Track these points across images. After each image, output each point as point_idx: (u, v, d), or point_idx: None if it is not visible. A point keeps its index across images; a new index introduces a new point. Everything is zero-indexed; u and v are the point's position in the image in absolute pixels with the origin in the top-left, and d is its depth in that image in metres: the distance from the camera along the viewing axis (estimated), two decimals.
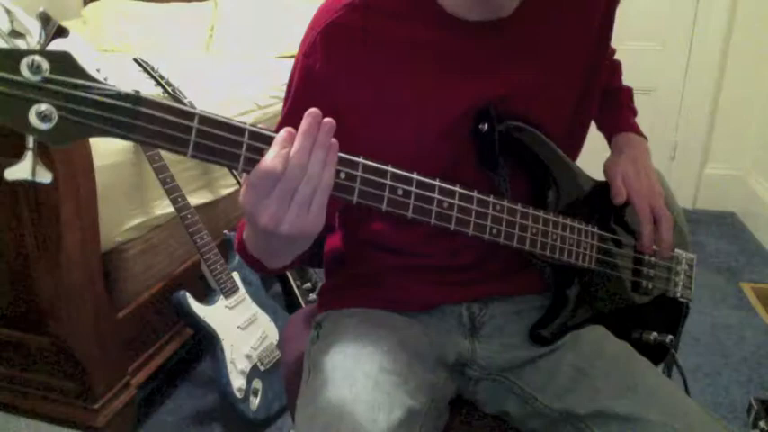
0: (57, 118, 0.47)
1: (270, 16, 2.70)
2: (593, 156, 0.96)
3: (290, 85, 0.75)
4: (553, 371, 0.74)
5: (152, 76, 1.63)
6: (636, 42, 2.70)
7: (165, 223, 1.56)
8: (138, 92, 0.49)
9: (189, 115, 0.51)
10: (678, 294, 0.87)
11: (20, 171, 0.49)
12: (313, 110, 0.53)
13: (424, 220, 0.62)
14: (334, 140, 0.54)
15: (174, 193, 1.41)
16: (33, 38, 0.56)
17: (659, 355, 0.85)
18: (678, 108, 2.81)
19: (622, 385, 0.69)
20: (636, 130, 0.89)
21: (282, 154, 0.52)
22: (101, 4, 2.99)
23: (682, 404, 0.67)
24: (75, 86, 0.47)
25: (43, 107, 0.46)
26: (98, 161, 1.25)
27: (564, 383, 0.73)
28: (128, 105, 0.49)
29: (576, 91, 0.78)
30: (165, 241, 1.57)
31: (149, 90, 1.62)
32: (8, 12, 0.58)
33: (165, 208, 1.52)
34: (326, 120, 0.54)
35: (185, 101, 1.60)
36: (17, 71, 0.45)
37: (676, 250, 0.88)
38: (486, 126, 0.70)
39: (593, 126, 0.86)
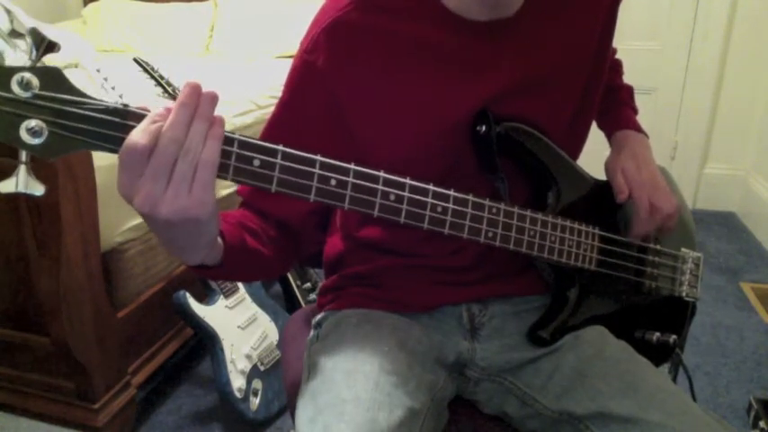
0: (47, 133, 0.47)
1: (270, 16, 2.70)
2: (593, 156, 0.96)
3: (289, 80, 0.74)
4: (553, 372, 0.74)
5: (152, 76, 1.63)
6: (636, 42, 2.70)
7: None
8: (126, 105, 0.50)
9: None
10: (684, 294, 0.86)
11: (12, 184, 0.50)
12: (193, 81, 0.49)
13: (417, 225, 0.62)
14: (219, 116, 0.50)
15: None
16: (29, 37, 0.56)
17: (662, 355, 0.84)
18: (678, 108, 2.81)
19: (623, 386, 0.69)
20: (636, 127, 0.89)
21: (151, 129, 0.48)
22: (101, 4, 2.99)
23: (682, 405, 0.67)
24: (65, 102, 0.48)
25: (33, 123, 0.47)
26: (98, 161, 1.25)
27: (564, 384, 0.73)
28: (116, 120, 0.49)
29: (579, 90, 0.78)
30: None
31: (149, 90, 1.62)
32: (8, 12, 0.58)
33: None
34: (208, 90, 0.50)
35: None
36: (8, 88, 0.46)
37: (682, 249, 0.88)
38: (483, 128, 0.70)
39: (592, 127, 0.86)
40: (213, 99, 0.50)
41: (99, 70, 1.43)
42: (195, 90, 0.49)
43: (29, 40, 0.49)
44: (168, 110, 0.49)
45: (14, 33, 0.57)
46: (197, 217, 0.50)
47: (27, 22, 0.58)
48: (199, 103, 0.49)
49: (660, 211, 0.78)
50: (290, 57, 0.76)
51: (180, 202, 0.49)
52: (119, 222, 1.40)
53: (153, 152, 0.48)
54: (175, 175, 0.48)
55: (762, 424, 1.41)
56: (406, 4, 0.70)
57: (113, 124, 0.49)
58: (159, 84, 1.62)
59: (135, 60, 1.65)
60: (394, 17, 0.69)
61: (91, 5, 3.04)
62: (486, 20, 0.70)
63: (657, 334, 0.82)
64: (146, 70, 1.64)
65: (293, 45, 0.74)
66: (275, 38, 2.61)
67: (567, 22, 0.74)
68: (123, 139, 0.49)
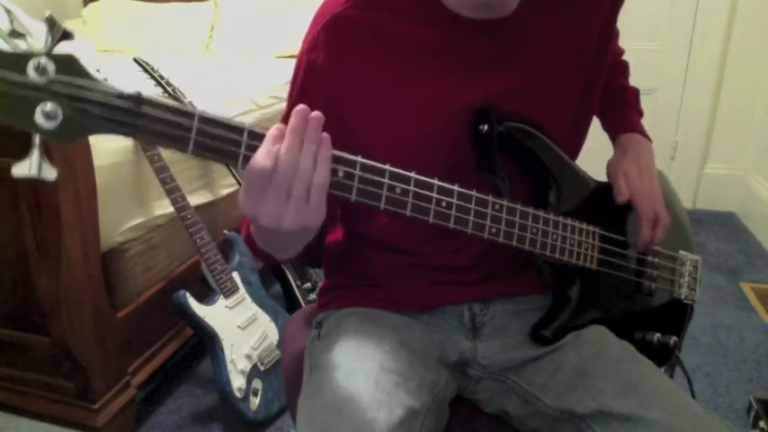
0: (61, 117, 0.48)
1: (270, 16, 2.70)
2: (594, 156, 0.96)
3: (293, 82, 0.75)
4: (554, 370, 0.74)
5: (152, 76, 1.63)
6: (636, 42, 2.70)
7: (164, 223, 1.56)
8: (139, 92, 0.51)
9: (189, 114, 0.52)
10: (682, 296, 0.87)
11: (26, 168, 0.51)
12: (301, 106, 0.54)
13: (423, 218, 0.62)
14: (325, 135, 0.55)
15: (174, 193, 1.41)
16: (33, 38, 0.57)
17: (663, 356, 0.85)
18: (678, 108, 2.81)
19: (624, 385, 0.69)
20: (641, 130, 0.89)
21: (273, 151, 0.53)
22: (101, 4, 2.99)
23: (683, 404, 0.67)
24: (80, 87, 0.49)
25: (48, 106, 0.48)
26: (98, 161, 1.25)
27: (565, 383, 0.73)
28: (130, 105, 0.50)
29: (580, 90, 0.78)
30: (165, 241, 1.57)
31: (149, 90, 1.62)
32: (8, 12, 0.58)
33: (165, 208, 1.52)
34: (314, 114, 0.54)
35: (185, 101, 1.60)
36: (24, 72, 0.47)
37: (680, 251, 0.88)
38: (485, 127, 0.70)
39: (594, 126, 0.86)
40: (320, 122, 0.54)
41: (99, 70, 1.43)
42: (303, 114, 0.54)
43: (45, 26, 0.50)
44: (281, 131, 0.54)
45: (14, 33, 0.57)
46: (314, 226, 0.56)
47: (27, 22, 0.58)
48: (307, 128, 0.54)
49: (661, 219, 0.79)
50: (290, 57, 0.76)
51: (301, 216, 0.54)
52: (119, 222, 1.40)
53: (274, 173, 0.53)
54: (294, 193, 0.54)
55: (762, 424, 1.41)
56: (405, 4, 0.70)
57: (128, 110, 0.50)
58: (159, 84, 1.62)
59: (135, 60, 1.65)
60: (393, 16, 0.70)
61: (91, 5, 3.04)
62: (485, 18, 0.70)
63: (658, 335, 0.82)
64: (146, 70, 1.64)
65: (293, 45, 0.75)
66: (275, 38, 2.61)
67: (567, 21, 0.75)
68: (136, 124, 0.51)
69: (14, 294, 1.32)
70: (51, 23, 0.50)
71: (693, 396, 0.75)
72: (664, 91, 2.79)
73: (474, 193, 0.65)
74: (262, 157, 0.53)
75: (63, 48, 0.55)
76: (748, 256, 2.43)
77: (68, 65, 0.48)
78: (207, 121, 0.53)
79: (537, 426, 0.75)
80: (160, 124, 0.51)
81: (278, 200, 0.54)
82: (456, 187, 0.64)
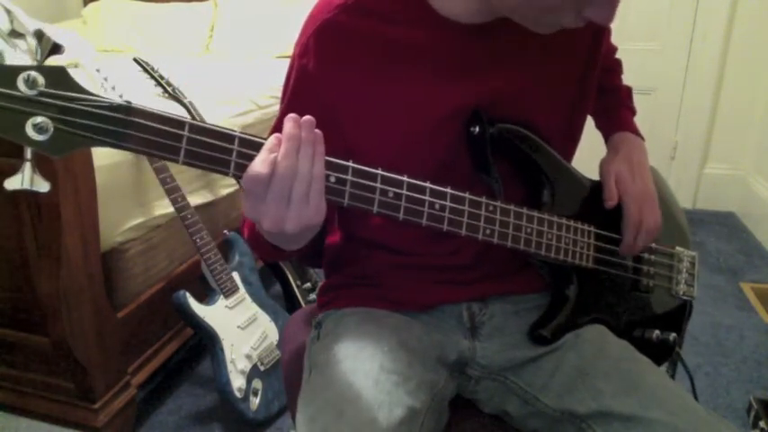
0: (52, 130, 0.49)
1: (270, 16, 2.70)
2: (589, 155, 0.96)
3: (286, 86, 0.76)
4: (554, 370, 0.74)
5: (152, 76, 1.63)
6: (636, 42, 2.70)
7: (164, 223, 1.56)
8: (129, 102, 0.52)
9: (179, 124, 0.53)
10: (681, 293, 0.87)
11: (18, 181, 0.51)
12: (292, 115, 0.56)
13: (416, 221, 0.63)
14: (318, 132, 0.56)
15: (173, 193, 1.41)
16: (33, 39, 0.57)
17: (662, 354, 0.85)
18: (678, 108, 2.81)
19: (624, 385, 0.69)
20: (633, 129, 0.89)
21: (270, 159, 0.54)
22: (101, 4, 2.99)
23: (683, 403, 0.67)
24: (70, 99, 0.49)
25: (39, 119, 0.48)
26: (98, 161, 1.25)
27: (565, 383, 0.73)
28: (120, 116, 0.51)
29: (573, 90, 0.78)
30: (165, 241, 1.57)
31: (149, 90, 1.62)
32: (8, 12, 0.58)
33: (165, 208, 1.52)
34: (306, 117, 0.56)
35: (185, 101, 1.60)
36: (14, 86, 0.47)
37: (677, 248, 0.89)
38: (477, 129, 0.71)
39: (588, 126, 0.86)
40: (312, 123, 0.56)
41: (99, 70, 1.43)
42: (296, 121, 0.55)
43: (34, 41, 0.50)
44: (279, 139, 0.55)
45: (14, 33, 0.57)
46: (316, 224, 0.57)
47: (27, 22, 0.58)
48: (301, 132, 0.55)
49: (645, 225, 0.79)
50: (290, 57, 0.76)
51: (303, 217, 0.56)
52: (119, 222, 1.40)
53: (272, 179, 0.54)
54: (294, 196, 0.55)
55: (762, 424, 1.41)
56: (392, 8, 0.70)
57: (117, 120, 0.51)
58: (159, 84, 1.62)
59: (135, 60, 1.65)
60: (382, 20, 0.70)
61: (91, 5, 3.04)
62: (475, 22, 0.70)
63: (657, 332, 0.82)
64: (146, 70, 1.64)
65: (293, 45, 0.75)
66: (275, 38, 2.61)
67: None
68: (126, 134, 0.51)
69: (14, 294, 1.32)
70: (40, 37, 0.50)
71: (695, 394, 0.75)
72: (663, 91, 2.79)
73: (467, 195, 0.66)
74: (258, 164, 0.54)
75: (65, 48, 0.55)
76: (748, 256, 2.43)
77: (58, 77, 0.49)
78: (197, 129, 0.53)
79: (537, 426, 0.75)
80: (150, 134, 0.52)
81: (279, 204, 0.55)
82: (449, 189, 0.64)
